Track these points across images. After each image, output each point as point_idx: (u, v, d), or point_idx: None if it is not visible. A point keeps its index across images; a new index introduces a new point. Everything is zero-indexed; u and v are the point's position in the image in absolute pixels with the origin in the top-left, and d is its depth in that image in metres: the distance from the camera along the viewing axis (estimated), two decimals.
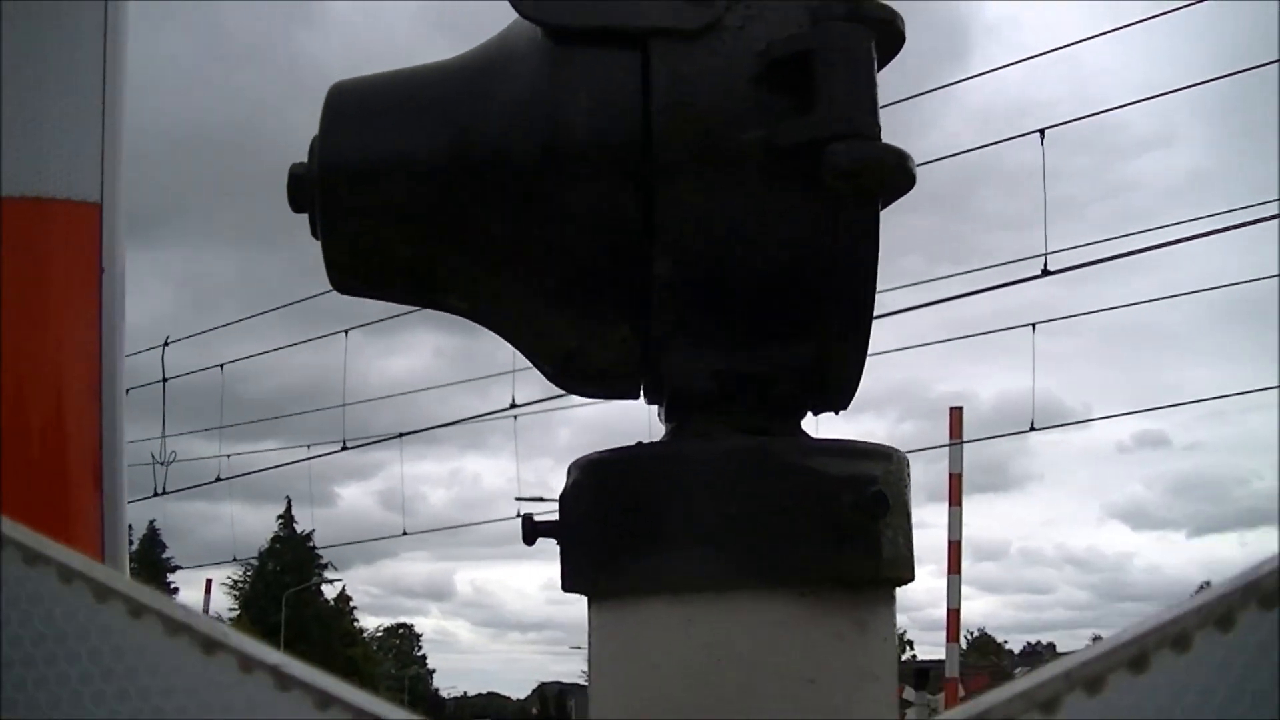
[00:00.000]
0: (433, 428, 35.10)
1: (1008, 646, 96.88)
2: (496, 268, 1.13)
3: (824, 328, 1.10)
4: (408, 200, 1.13)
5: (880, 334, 1.14)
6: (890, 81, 1.14)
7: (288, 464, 32.15)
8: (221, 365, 24.70)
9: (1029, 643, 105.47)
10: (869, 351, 1.13)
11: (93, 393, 1.81)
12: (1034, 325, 19.22)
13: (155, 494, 24.80)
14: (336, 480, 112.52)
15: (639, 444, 1.13)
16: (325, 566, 74.17)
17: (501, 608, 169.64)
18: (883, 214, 1.09)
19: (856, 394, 1.16)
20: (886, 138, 1.06)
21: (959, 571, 10.38)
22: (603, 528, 1.08)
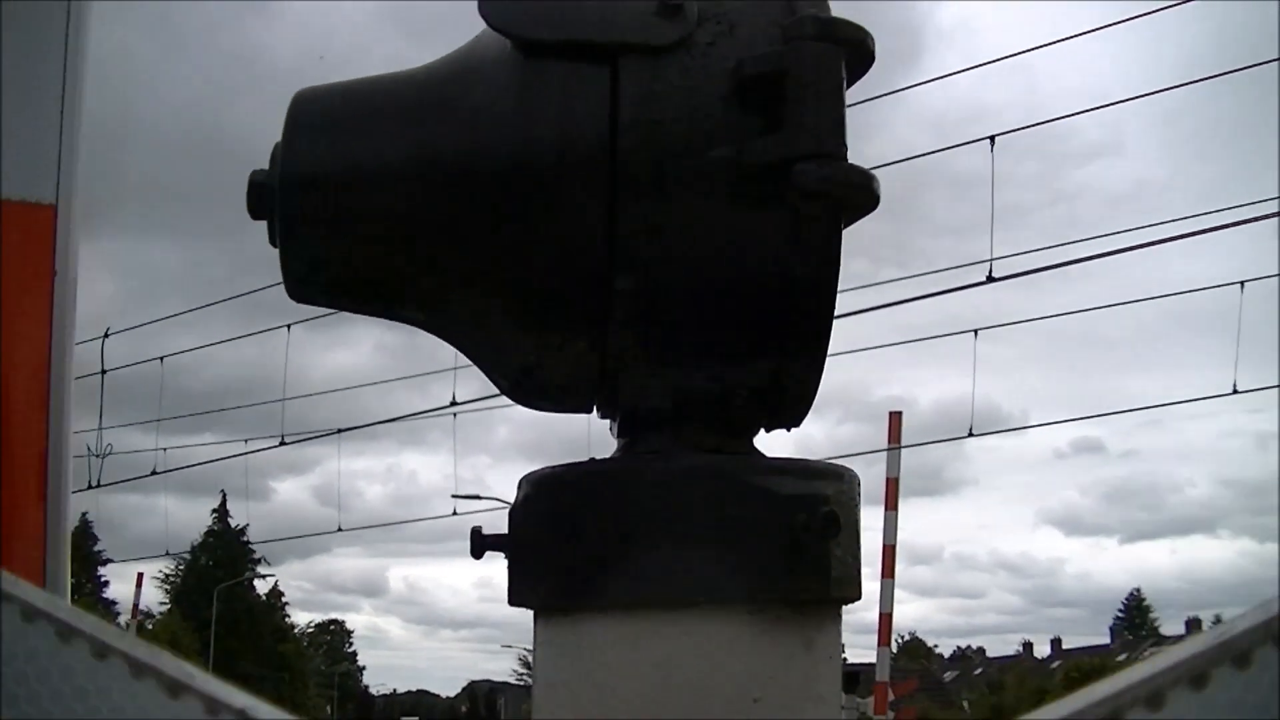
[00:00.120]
0: (372, 424, 34.86)
1: (938, 650, 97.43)
2: (458, 280, 1.13)
3: (782, 347, 1.10)
4: (370, 211, 1.12)
5: None
6: None
7: (224, 458, 31.87)
8: (161, 358, 24.40)
9: (959, 647, 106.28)
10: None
11: (41, 395, 1.78)
12: (976, 331, 19.39)
13: (90, 486, 24.49)
14: (273, 475, 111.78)
15: (591, 460, 1.13)
16: (258, 561, 73.63)
17: (434, 605, 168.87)
18: None
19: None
20: None
21: (892, 575, 10.42)
22: (553, 544, 1.08)
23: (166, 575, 70.59)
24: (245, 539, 72.18)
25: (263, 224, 1.14)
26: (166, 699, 0.69)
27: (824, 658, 1.07)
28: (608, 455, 1.16)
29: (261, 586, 75.98)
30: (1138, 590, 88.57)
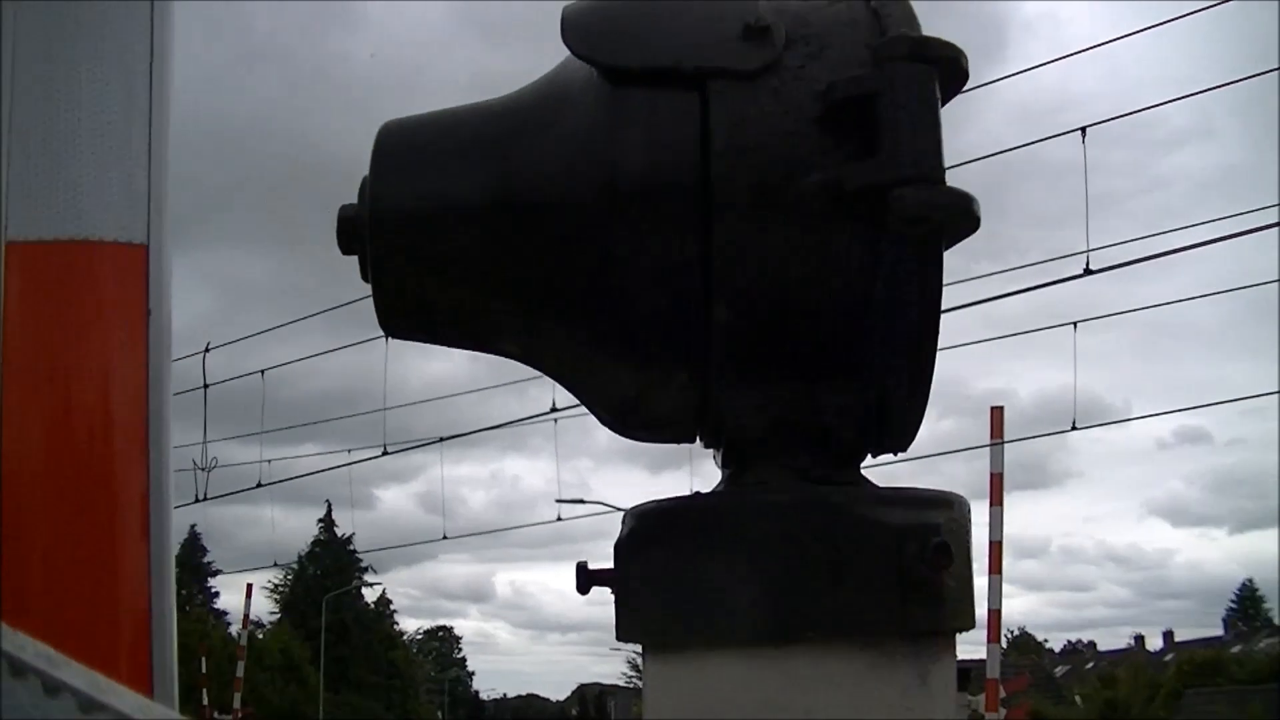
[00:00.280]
0: (474, 431, 35.09)
1: (1048, 645, 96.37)
2: (550, 314, 1.12)
3: (886, 373, 1.08)
4: (459, 245, 1.11)
5: None
6: None
7: (328, 469, 32.29)
8: (262, 371, 24.74)
9: (1069, 641, 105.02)
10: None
11: (140, 434, 1.80)
12: (1075, 324, 19.17)
13: (196, 500, 24.90)
14: (376, 483, 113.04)
15: (696, 494, 1.11)
16: (365, 570, 74.33)
17: (541, 609, 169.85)
18: None
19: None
20: None
21: (1000, 571, 10.28)
22: (660, 579, 1.06)
23: (275, 585, 71.45)
24: (352, 548, 73.03)
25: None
26: None
27: (939, 690, 1.05)
28: (712, 469, 1.15)
29: (369, 595, 76.84)
30: (1250, 580, 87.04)
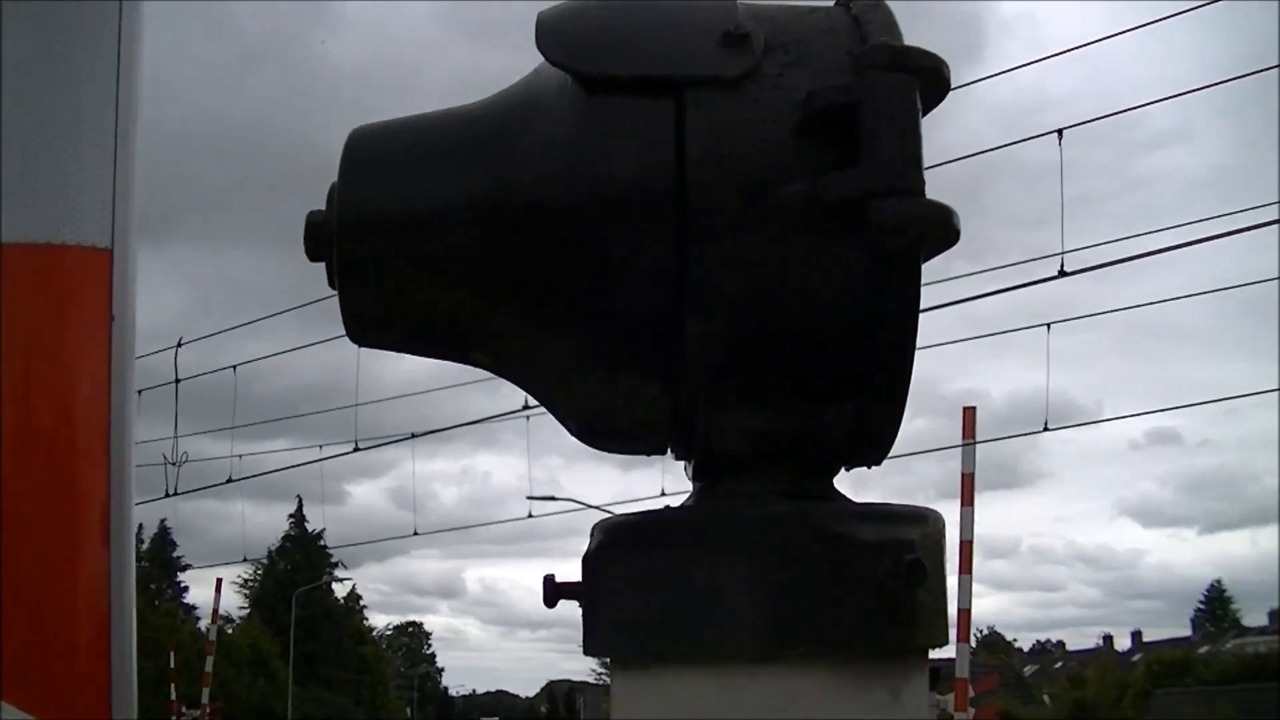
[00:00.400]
0: (447, 428, 35.01)
1: (1017, 645, 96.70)
2: (522, 323, 1.09)
3: (862, 385, 1.06)
4: (429, 253, 1.09)
5: None
6: None
7: (300, 465, 32.20)
8: (234, 366, 24.63)
9: (1039, 640, 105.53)
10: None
11: (102, 440, 1.77)
12: (1049, 325, 19.20)
13: (167, 494, 24.77)
14: (348, 479, 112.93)
15: (667, 507, 1.09)
16: (336, 565, 74.16)
17: (511, 606, 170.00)
18: None
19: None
20: None
21: (970, 571, 10.29)
22: (630, 594, 1.04)
23: (245, 580, 71.24)
24: (322, 543, 72.83)
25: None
26: None
27: (912, 707, 1.04)
28: (680, 484, 1.13)
29: (339, 590, 76.65)
30: (1218, 581, 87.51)
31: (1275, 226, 14.14)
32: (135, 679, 1.82)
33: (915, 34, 1.08)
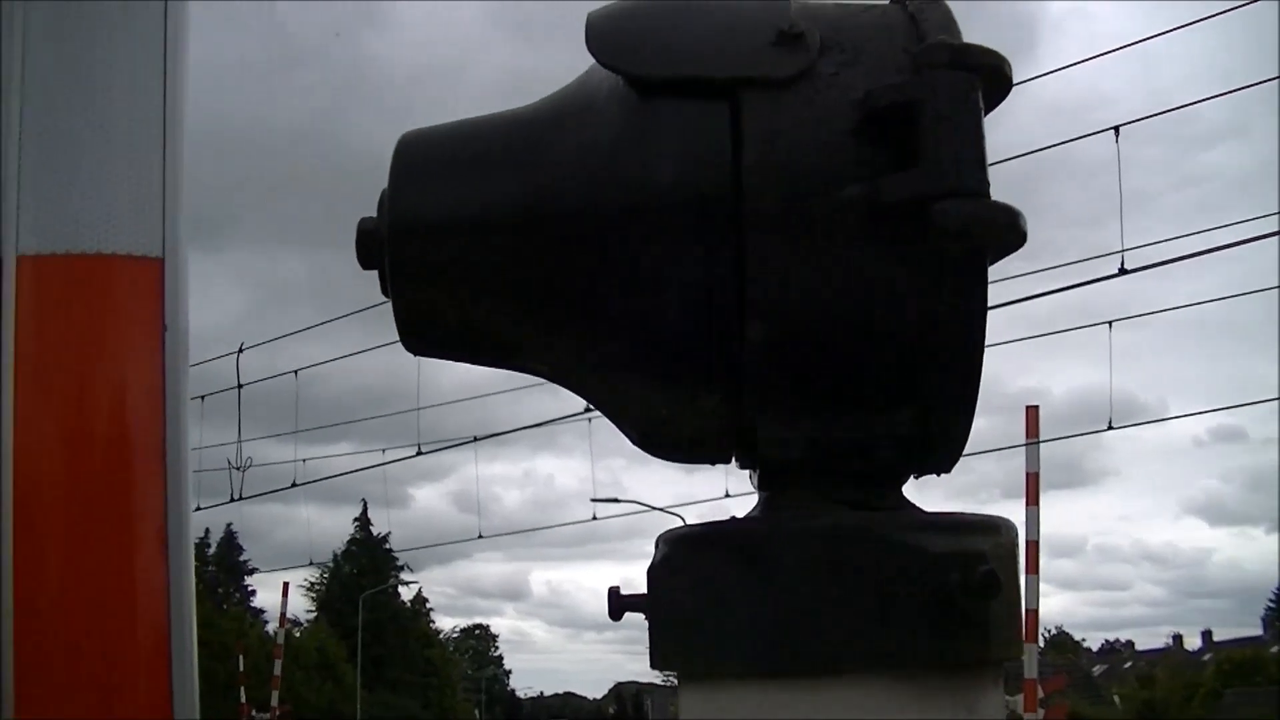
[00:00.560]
0: (507, 431, 35.15)
1: (1085, 644, 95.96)
2: (576, 332, 1.07)
3: (928, 393, 1.03)
4: (482, 259, 1.07)
5: None
6: None
7: (363, 469, 32.44)
8: (295, 371, 24.81)
9: (1107, 640, 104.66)
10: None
11: (158, 452, 1.77)
12: (1110, 323, 19.04)
13: (232, 499, 25.00)
14: (411, 482, 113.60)
15: (732, 518, 1.07)
16: (401, 568, 74.51)
17: (577, 607, 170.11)
18: None
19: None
20: None
21: (1037, 571, 10.21)
22: (696, 607, 1.02)
23: (311, 584, 71.71)
24: (387, 546, 73.22)
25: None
26: None
27: None
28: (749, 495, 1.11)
29: (405, 593, 77.02)
30: None
31: None
32: (197, 685, 1.82)
33: (967, 33, 1.06)
